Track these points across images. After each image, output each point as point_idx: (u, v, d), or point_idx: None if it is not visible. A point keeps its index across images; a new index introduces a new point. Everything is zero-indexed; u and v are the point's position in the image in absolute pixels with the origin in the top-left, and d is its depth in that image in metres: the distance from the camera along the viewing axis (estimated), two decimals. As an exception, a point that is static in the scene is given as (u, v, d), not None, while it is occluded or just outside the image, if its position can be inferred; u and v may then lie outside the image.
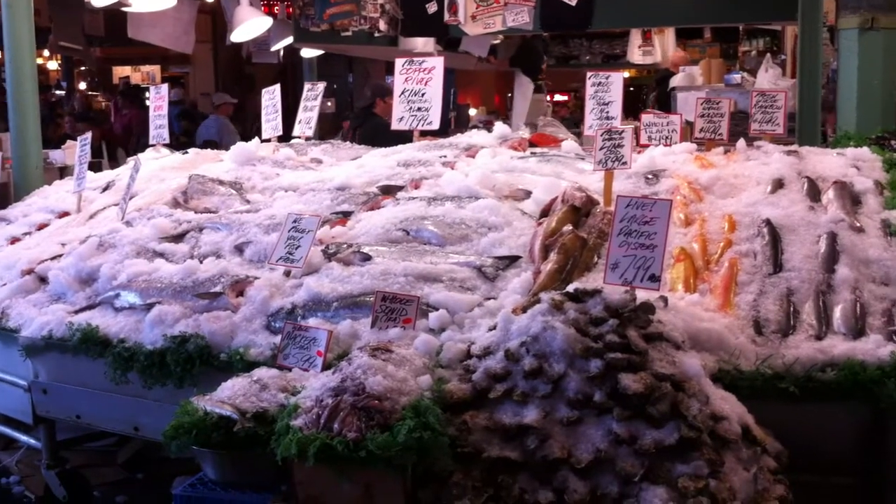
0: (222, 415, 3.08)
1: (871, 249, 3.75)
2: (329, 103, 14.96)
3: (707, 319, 3.34)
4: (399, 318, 3.54)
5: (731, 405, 2.97)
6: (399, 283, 3.83)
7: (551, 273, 3.69)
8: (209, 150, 6.83)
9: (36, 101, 6.89)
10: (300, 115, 6.50)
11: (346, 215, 4.60)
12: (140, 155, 6.28)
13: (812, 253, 3.75)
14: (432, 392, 2.99)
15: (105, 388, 4.06)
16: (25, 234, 5.42)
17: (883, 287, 3.57)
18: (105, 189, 5.83)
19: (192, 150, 6.47)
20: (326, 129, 12.87)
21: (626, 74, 15.17)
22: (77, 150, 6.05)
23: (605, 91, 5.49)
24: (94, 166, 7.15)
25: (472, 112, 15.76)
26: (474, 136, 5.77)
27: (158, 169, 5.92)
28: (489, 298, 3.71)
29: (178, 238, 4.72)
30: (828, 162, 4.61)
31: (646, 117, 5.47)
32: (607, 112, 5.43)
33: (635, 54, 15.56)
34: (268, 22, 10.24)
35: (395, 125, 5.86)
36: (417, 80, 5.79)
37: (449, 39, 11.90)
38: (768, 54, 11.44)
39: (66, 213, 5.61)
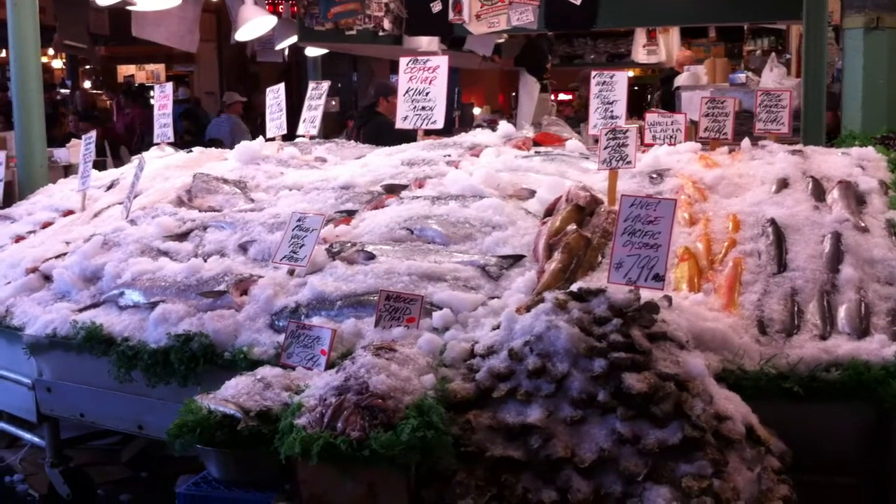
0: (226, 413, 3.08)
1: (876, 249, 3.74)
2: (333, 102, 14.98)
3: (711, 319, 3.34)
4: (403, 317, 3.54)
5: (734, 405, 2.96)
6: (403, 282, 3.83)
7: (555, 272, 3.69)
8: (214, 148, 6.84)
9: (41, 100, 6.90)
10: (304, 113, 6.50)
11: (351, 214, 4.60)
12: (144, 153, 6.30)
13: (816, 253, 3.75)
14: (436, 391, 2.99)
15: (109, 386, 4.07)
16: (30, 232, 5.43)
17: (887, 287, 3.56)
18: (109, 188, 5.84)
19: (196, 149, 6.47)
20: (331, 128, 12.87)
21: (631, 74, 15.15)
22: (81, 148, 6.06)
23: (610, 90, 5.48)
24: (99, 165, 7.16)
25: (477, 111, 15.75)
26: (478, 136, 5.77)
27: (163, 167, 5.93)
28: (493, 297, 3.71)
29: (182, 237, 4.73)
30: (832, 161, 4.61)
31: (650, 116, 5.46)
32: (612, 111, 5.43)
33: (640, 53, 15.53)
34: (272, 21, 10.25)
35: (400, 124, 5.86)
36: (422, 79, 5.79)
37: (453, 38, 11.89)
38: (773, 53, 11.43)
39: (70, 212, 5.62)
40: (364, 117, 9.25)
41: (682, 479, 2.71)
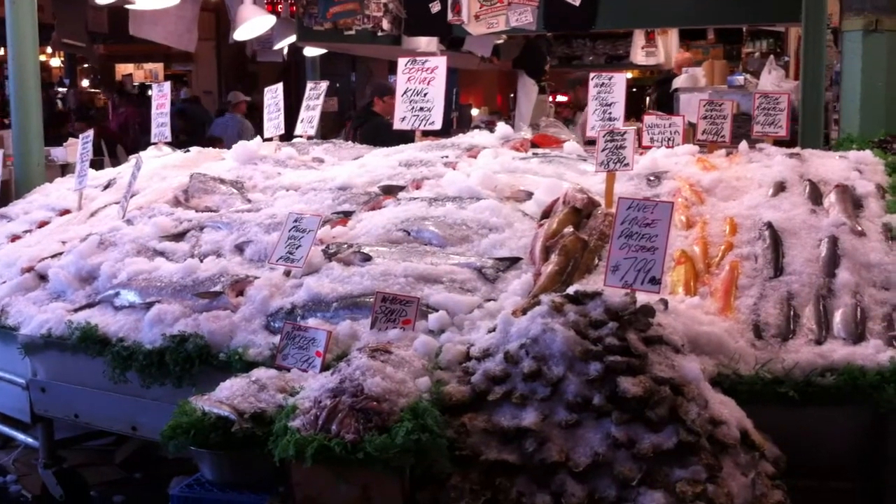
0: (220, 415, 3.07)
1: (873, 254, 3.74)
2: (332, 102, 14.96)
3: (707, 323, 3.33)
4: (399, 319, 3.53)
5: (729, 410, 2.96)
6: (399, 283, 3.82)
7: (552, 275, 3.68)
8: (211, 148, 6.83)
9: (38, 98, 6.89)
10: (302, 114, 6.49)
11: (347, 215, 4.60)
12: (142, 153, 6.28)
13: (813, 257, 3.74)
14: (431, 394, 2.99)
15: (103, 387, 4.06)
16: (26, 231, 5.42)
17: (883, 292, 3.56)
18: (106, 187, 5.83)
19: (193, 149, 6.46)
20: (329, 128, 12.87)
21: (629, 75, 15.15)
22: (79, 147, 6.05)
23: (608, 92, 5.48)
24: (96, 164, 7.14)
25: (475, 112, 15.75)
26: (476, 137, 5.76)
27: (160, 167, 5.92)
28: (489, 300, 3.70)
29: (178, 237, 4.72)
30: (830, 165, 4.60)
31: (648, 119, 5.46)
32: (610, 113, 5.42)
33: (638, 55, 15.52)
34: (271, 20, 10.24)
35: (398, 125, 5.85)
36: (420, 80, 5.78)
37: (452, 39, 11.88)
38: (771, 56, 11.43)
39: (66, 211, 5.61)
40: (361, 118, 9.24)
41: (677, 484, 2.71)
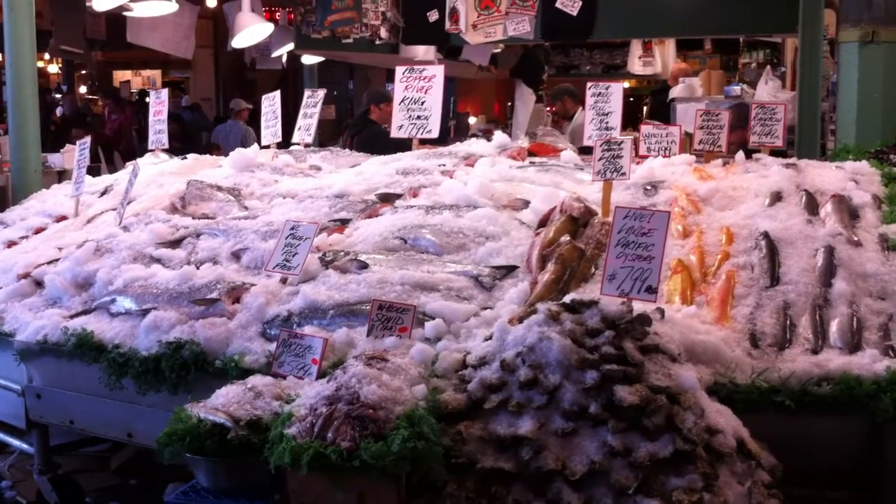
0: (216, 422, 3.06)
1: (869, 264, 3.75)
2: (330, 110, 14.97)
3: (703, 332, 3.33)
4: (395, 327, 3.53)
5: (726, 418, 2.96)
6: (396, 291, 3.82)
7: (548, 283, 3.68)
8: (208, 155, 6.83)
9: (36, 105, 6.89)
10: (300, 121, 6.50)
11: (344, 223, 4.60)
12: (139, 160, 6.28)
13: (809, 266, 3.75)
14: (427, 402, 2.98)
15: (99, 393, 4.05)
16: (23, 237, 5.41)
17: (879, 301, 3.56)
18: (103, 193, 5.82)
19: (191, 156, 6.46)
20: (327, 136, 12.88)
21: (626, 85, 15.19)
22: (76, 154, 6.04)
23: (605, 101, 5.50)
24: (93, 170, 7.14)
25: (472, 120, 15.77)
26: (473, 145, 5.77)
27: (157, 174, 5.92)
28: (486, 308, 3.70)
29: (175, 244, 4.71)
30: (826, 175, 4.62)
31: (645, 128, 5.47)
32: (607, 122, 5.44)
33: (636, 65, 15.58)
34: (269, 28, 10.25)
35: (395, 133, 5.86)
36: (417, 89, 5.80)
37: (450, 48, 11.92)
38: (768, 66, 11.46)
39: (63, 217, 5.60)
40: (358, 125, 9.24)
41: (673, 493, 2.71)
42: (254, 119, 13.95)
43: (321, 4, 10.25)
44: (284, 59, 12.67)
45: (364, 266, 4.07)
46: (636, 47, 15.48)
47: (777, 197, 4.34)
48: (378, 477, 2.72)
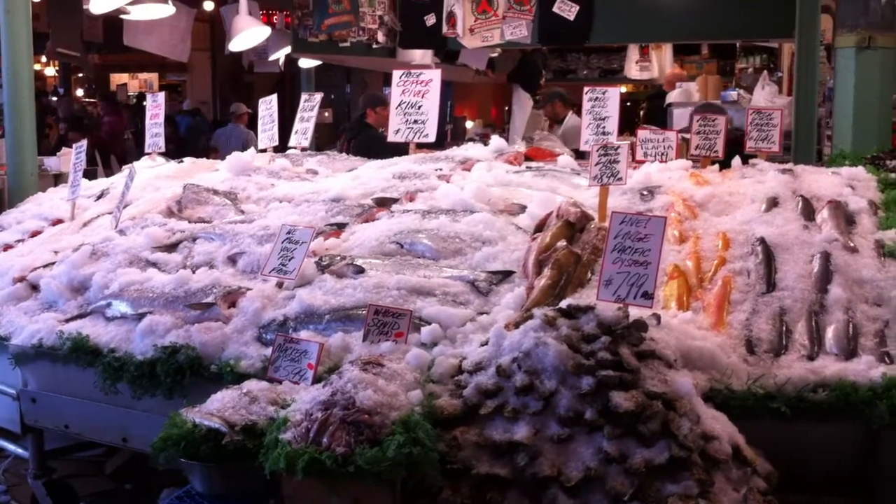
0: (211, 427, 3.05)
1: (865, 270, 3.74)
2: (326, 114, 14.98)
3: (699, 338, 3.33)
4: (391, 332, 3.52)
5: (722, 425, 2.96)
6: (392, 296, 3.81)
7: (544, 289, 3.68)
8: (205, 159, 6.82)
9: (32, 107, 6.89)
10: (296, 125, 6.49)
11: (341, 227, 4.59)
12: (135, 163, 6.28)
13: (805, 272, 3.75)
14: (423, 407, 2.97)
15: (94, 397, 4.04)
16: (18, 241, 5.40)
17: (875, 308, 3.56)
18: (99, 197, 5.81)
19: (187, 160, 6.46)
20: (324, 140, 12.89)
21: (623, 89, 15.21)
22: (72, 157, 6.04)
23: (602, 106, 5.50)
24: (89, 174, 7.13)
25: (469, 125, 15.80)
26: (470, 150, 5.77)
27: (153, 177, 5.91)
28: (482, 313, 3.70)
29: (171, 248, 4.70)
30: (823, 181, 4.62)
31: (642, 133, 5.48)
32: (604, 127, 5.44)
33: (632, 69, 15.62)
34: (266, 31, 10.26)
35: (392, 137, 5.86)
36: (414, 93, 5.79)
37: (447, 52, 11.93)
38: (765, 72, 11.49)
39: (59, 221, 5.59)
40: (354, 129, 9.25)
41: (668, 499, 2.70)
42: (253, 123, 13.98)
43: (318, 8, 10.26)
44: (281, 62, 12.67)
45: (360, 270, 4.06)
46: (633, 52, 15.52)
47: (773, 202, 4.34)
48: (373, 483, 2.72)
